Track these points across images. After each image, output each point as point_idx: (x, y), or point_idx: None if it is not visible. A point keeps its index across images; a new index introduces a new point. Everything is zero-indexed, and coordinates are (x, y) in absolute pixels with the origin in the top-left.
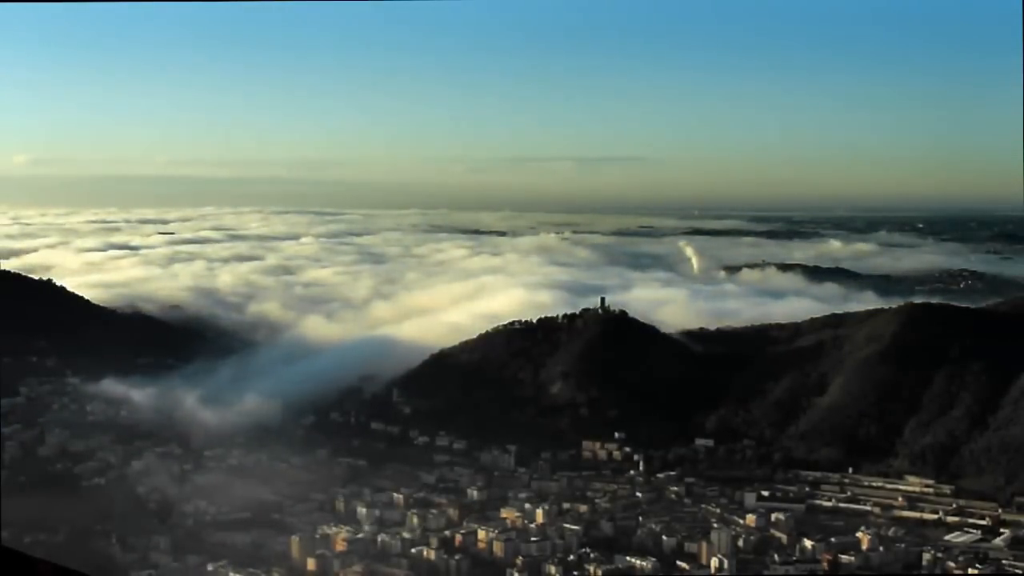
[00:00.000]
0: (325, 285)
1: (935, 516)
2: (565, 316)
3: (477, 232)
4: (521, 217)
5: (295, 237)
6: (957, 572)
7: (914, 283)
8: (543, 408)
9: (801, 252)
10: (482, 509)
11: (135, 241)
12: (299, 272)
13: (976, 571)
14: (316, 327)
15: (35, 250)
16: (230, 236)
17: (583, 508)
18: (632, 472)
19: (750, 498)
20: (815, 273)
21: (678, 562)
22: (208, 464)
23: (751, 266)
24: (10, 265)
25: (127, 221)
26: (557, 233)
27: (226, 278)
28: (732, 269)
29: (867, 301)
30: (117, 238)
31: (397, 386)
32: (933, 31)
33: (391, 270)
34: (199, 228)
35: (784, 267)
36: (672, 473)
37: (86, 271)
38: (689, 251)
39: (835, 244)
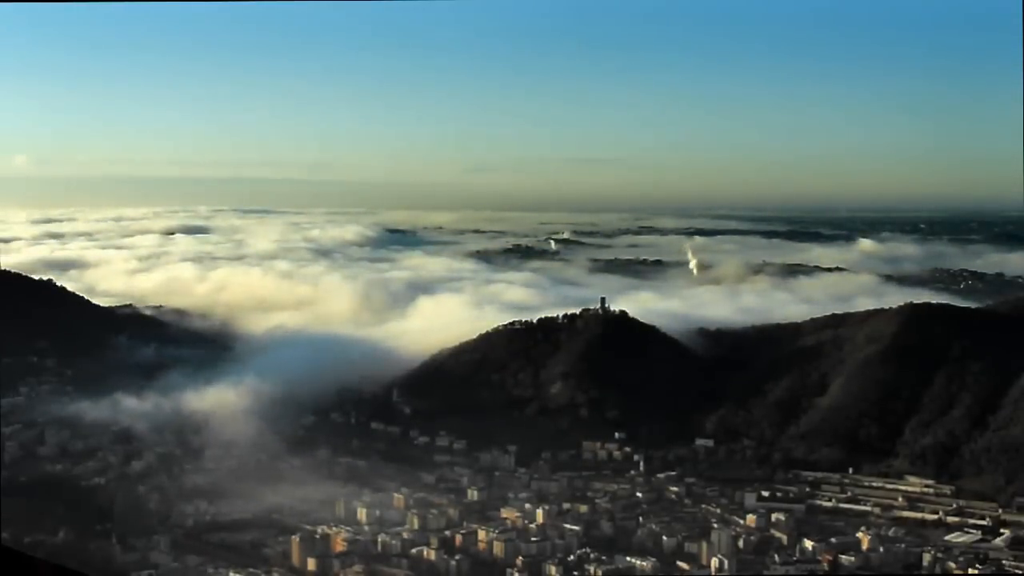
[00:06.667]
0: None
1: (935, 516)
2: (565, 316)
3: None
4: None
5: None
6: (957, 572)
7: (914, 283)
8: (543, 408)
9: (800, 254)
10: (482, 509)
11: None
12: None
13: (976, 571)
14: None
15: None
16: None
17: (583, 508)
18: (632, 472)
19: (750, 498)
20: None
21: (678, 562)
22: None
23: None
24: None
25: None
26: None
27: None
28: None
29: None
30: None
31: (397, 386)
32: (933, 30)
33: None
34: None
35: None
36: (672, 473)
37: None
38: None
39: (865, 243)
